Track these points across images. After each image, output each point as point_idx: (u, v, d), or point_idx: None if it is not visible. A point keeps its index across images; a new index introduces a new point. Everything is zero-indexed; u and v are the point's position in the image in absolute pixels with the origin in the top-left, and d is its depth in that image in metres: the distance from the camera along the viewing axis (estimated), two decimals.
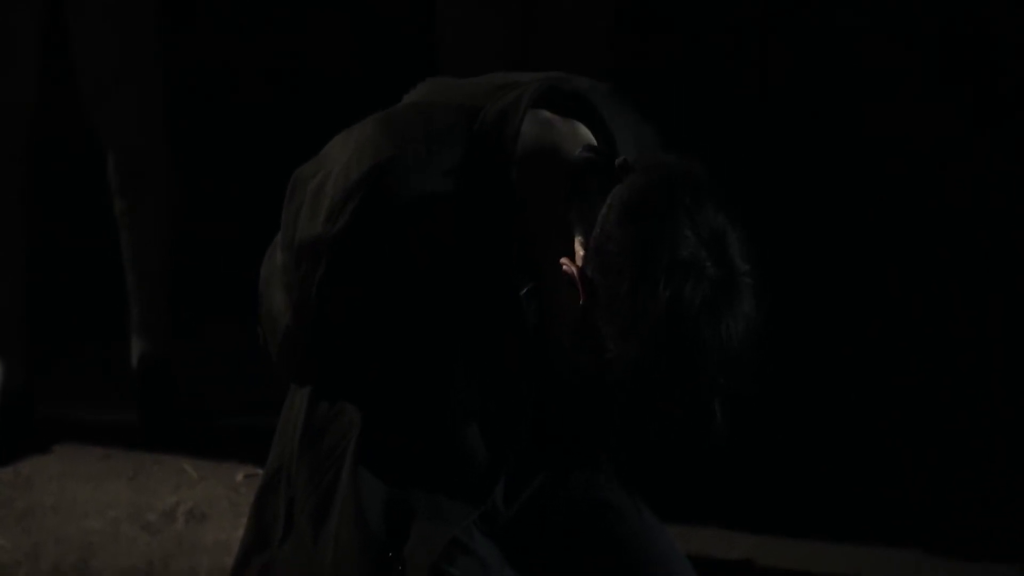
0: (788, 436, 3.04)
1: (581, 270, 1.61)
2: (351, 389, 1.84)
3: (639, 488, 1.93)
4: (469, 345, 1.75)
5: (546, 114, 1.73)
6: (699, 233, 1.56)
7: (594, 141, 1.73)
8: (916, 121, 3.76)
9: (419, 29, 3.46)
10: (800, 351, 3.26)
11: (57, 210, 3.70)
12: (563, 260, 1.63)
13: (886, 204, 3.75)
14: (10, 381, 3.12)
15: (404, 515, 1.80)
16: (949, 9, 3.73)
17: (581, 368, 1.65)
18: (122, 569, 2.73)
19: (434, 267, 1.70)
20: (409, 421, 1.82)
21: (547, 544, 1.90)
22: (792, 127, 3.84)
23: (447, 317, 1.73)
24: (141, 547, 2.80)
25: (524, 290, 1.71)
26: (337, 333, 1.77)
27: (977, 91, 3.74)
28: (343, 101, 3.94)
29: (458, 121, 1.70)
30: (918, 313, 3.54)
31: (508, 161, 1.68)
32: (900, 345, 3.44)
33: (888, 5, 3.76)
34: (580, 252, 1.63)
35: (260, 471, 2.26)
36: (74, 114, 3.17)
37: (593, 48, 3.10)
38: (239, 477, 3.01)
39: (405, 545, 1.78)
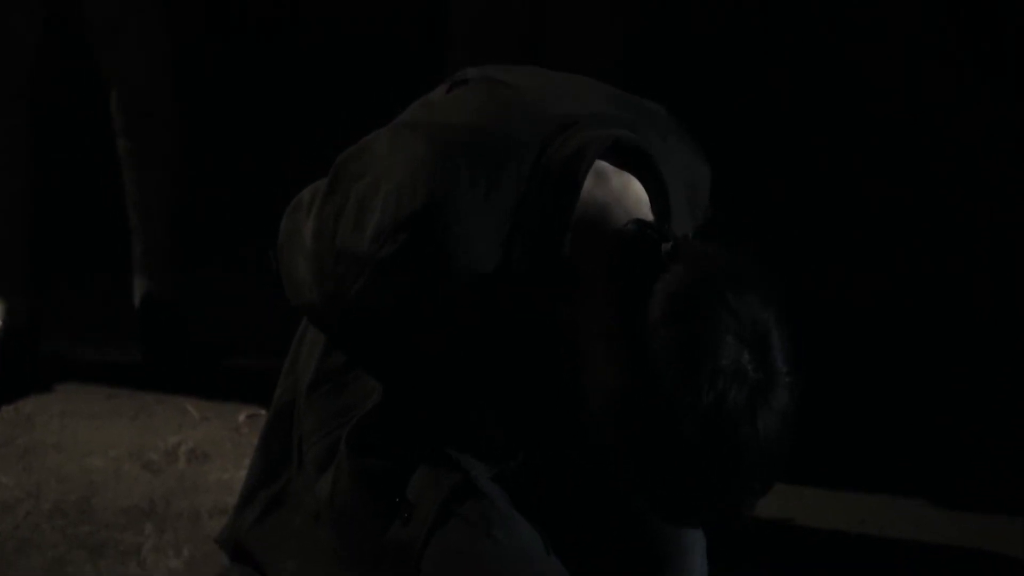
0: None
1: (620, 356, 1.59)
2: (371, 367, 1.84)
3: None
4: (494, 371, 1.76)
5: (602, 166, 1.70)
6: (743, 337, 1.54)
7: (646, 199, 1.71)
8: (917, 76, 3.75)
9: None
10: (809, 305, 3.26)
11: (62, 148, 3.68)
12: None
13: (887, 158, 3.75)
14: (13, 319, 3.12)
15: (411, 462, 1.80)
16: None
17: (606, 443, 1.64)
18: (123, 508, 2.73)
19: (473, 310, 1.69)
20: (426, 404, 1.81)
21: (554, 494, 1.89)
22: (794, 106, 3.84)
23: (476, 349, 1.73)
24: (143, 486, 2.79)
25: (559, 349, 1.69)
26: (364, 331, 1.78)
27: (980, 44, 3.73)
28: (352, 44, 3.93)
29: (519, 161, 1.68)
30: (927, 268, 3.54)
31: (565, 218, 1.67)
32: (907, 299, 3.44)
33: None
34: (619, 333, 1.61)
35: (263, 412, 2.26)
36: (80, 51, 3.14)
37: (605, 38, 3.10)
38: (241, 418, 3.01)
39: (411, 489, 1.78)
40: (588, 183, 1.68)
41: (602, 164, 1.70)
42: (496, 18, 3.09)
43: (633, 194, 1.71)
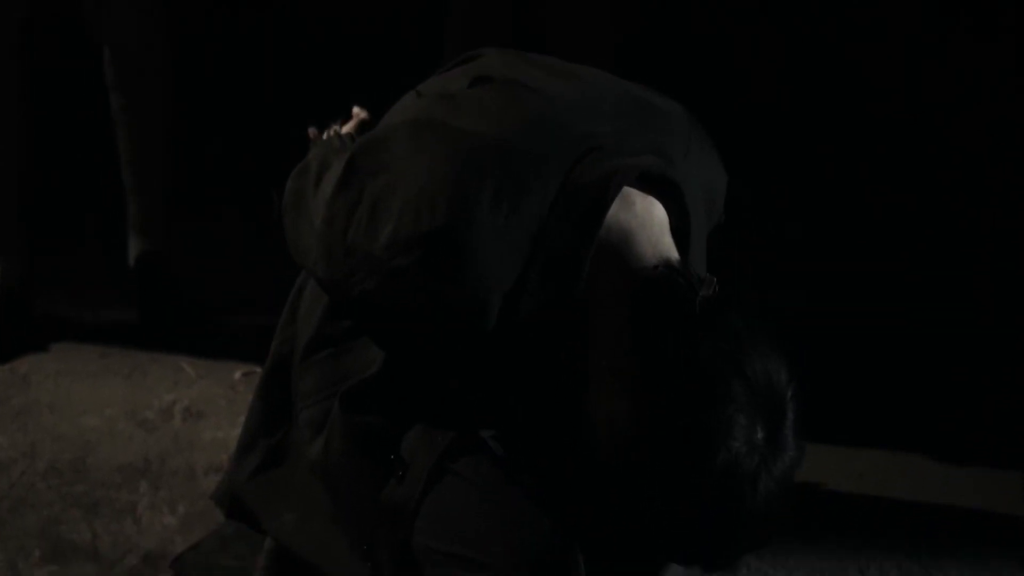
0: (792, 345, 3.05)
1: (632, 399, 1.59)
2: (371, 336, 1.84)
3: None
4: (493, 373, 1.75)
5: (627, 189, 1.70)
6: (758, 415, 1.55)
7: (667, 222, 1.71)
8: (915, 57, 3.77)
9: None
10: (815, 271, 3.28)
11: (57, 108, 3.68)
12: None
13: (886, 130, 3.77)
14: (8, 279, 3.12)
15: (405, 422, 1.80)
16: None
17: (605, 459, 1.64)
18: (119, 466, 2.72)
19: (479, 326, 1.68)
20: (423, 383, 1.82)
21: (553, 466, 1.89)
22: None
23: (476, 356, 1.72)
24: (138, 444, 2.79)
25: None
26: (365, 318, 1.79)
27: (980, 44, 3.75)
28: (352, 44, 3.94)
29: (543, 184, 1.66)
30: (927, 268, 3.55)
31: (587, 249, 1.66)
32: (913, 267, 3.46)
33: None
34: (631, 376, 1.60)
35: (258, 370, 2.26)
36: (73, 10, 3.14)
37: (604, 37, 3.12)
38: (237, 376, 3.01)
39: (405, 447, 1.78)
40: (613, 207, 1.67)
41: (627, 188, 1.69)
42: (493, 14, 3.10)
43: (657, 220, 1.70)
